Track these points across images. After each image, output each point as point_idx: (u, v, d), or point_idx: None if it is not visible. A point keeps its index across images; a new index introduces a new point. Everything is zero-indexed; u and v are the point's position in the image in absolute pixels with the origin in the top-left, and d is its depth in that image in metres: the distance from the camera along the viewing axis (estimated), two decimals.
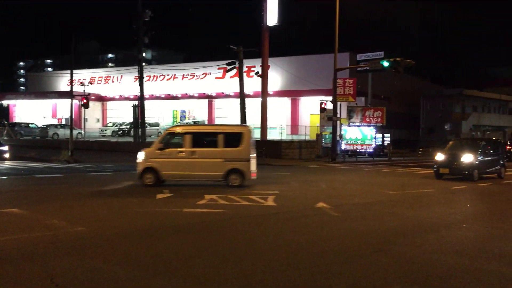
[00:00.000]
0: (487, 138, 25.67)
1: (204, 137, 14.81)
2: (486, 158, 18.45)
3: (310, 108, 38.76)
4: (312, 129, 36.23)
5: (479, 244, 7.63)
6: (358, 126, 33.26)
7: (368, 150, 32.74)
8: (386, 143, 34.77)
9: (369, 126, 33.14)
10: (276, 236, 8.00)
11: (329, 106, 29.87)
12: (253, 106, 34.05)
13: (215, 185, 14.58)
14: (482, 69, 79.42)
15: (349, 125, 33.45)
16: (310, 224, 9.00)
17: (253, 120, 34.65)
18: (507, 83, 68.24)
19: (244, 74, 32.84)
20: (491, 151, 19.21)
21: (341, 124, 32.71)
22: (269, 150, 28.75)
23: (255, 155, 14.54)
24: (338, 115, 30.26)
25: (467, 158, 17.57)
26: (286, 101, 41.33)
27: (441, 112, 49.40)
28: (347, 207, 11.11)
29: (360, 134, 32.62)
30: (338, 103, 30.46)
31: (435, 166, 18.37)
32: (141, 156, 14.37)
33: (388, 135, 36.14)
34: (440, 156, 18.30)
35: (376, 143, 33.17)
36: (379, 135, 34.19)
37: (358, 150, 32.45)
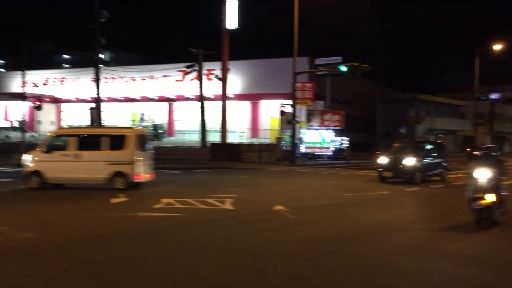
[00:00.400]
0: (430, 141, 25.79)
1: (89, 140, 14.68)
2: (429, 161, 18.57)
3: (271, 111, 38.95)
4: (273, 132, 36.41)
5: (429, 245, 7.84)
6: (317, 129, 33.69)
7: (327, 153, 33.20)
8: (344, 146, 35.39)
9: (328, 129, 33.62)
10: (232, 240, 7.96)
11: (289, 109, 30.14)
12: (214, 109, 33.89)
13: (172, 188, 14.38)
14: (436, 75, 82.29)
15: (308, 129, 33.83)
16: (267, 227, 9.01)
17: (214, 123, 34.50)
18: (458, 88, 70.95)
19: (204, 77, 32.66)
20: (434, 154, 19.36)
21: (300, 128, 33.07)
22: (229, 153, 28.69)
23: (143, 157, 14.40)
24: (298, 119, 30.57)
25: (410, 161, 17.52)
26: (247, 104, 41.38)
27: (396, 116, 50.71)
28: (304, 209, 11.20)
29: (319, 138, 33.04)
30: (298, 106, 30.77)
31: (378, 169, 18.22)
32: (27, 158, 14.25)
33: (347, 138, 36.78)
34: (383, 160, 18.12)
35: (335, 146, 33.68)
36: (338, 139, 34.75)
37: (317, 153, 32.85)
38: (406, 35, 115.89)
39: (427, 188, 16.57)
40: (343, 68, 25.81)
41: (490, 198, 8.67)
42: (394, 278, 5.99)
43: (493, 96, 50.66)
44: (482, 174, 8.83)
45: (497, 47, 44.60)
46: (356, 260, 6.72)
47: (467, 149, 39.15)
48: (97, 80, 33.06)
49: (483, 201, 8.63)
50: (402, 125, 47.04)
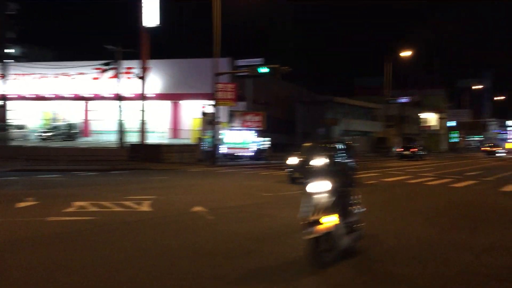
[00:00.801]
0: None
1: None
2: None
3: (192, 111, 38.65)
4: (194, 133, 36.16)
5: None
6: (239, 130, 33.94)
7: (248, 154, 33.54)
8: (265, 147, 35.98)
9: (249, 130, 33.98)
10: (149, 242, 7.74)
11: (211, 110, 30.04)
12: (133, 109, 32.96)
13: (86, 190, 13.74)
14: (350, 78, 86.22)
15: (229, 129, 33.97)
16: (186, 229, 8.88)
17: (133, 123, 33.52)
18: (371, 92, 74.88)
19: (123, 75, 31.66)
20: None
21: (222, 128, 33.11)
22: (148, 154, 28.00)
23: None
24: (219, 119, 30.56)
25: (318, 161, 18.06)
26: (168, 104, 40.74)
27: (315, 117, 52.37)
28: (224, 210, 11.18)
29: (241, 138, 33.30)
30: (219, 107, 30.78)
31: (288, 170, 17.75)
32: None
33: (268, 139, 37.43)
34: (293, 160, 17.65)
35: (256, 147, 34.11)
36: (259, 139, 35.25)
37: (238, 154, 33.07)
38: (323, 38, 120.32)
39: None
40: (264, 70, 26.22)
41: (330, 220, 6.29)
42: (312, 274, 6.14)
43: (402, 100, 54.00)
44: (318, 187, 6.78)
45: (406, 53, 47.63)
46: (274, 258, 6.81)
47: (398, 150, 42.71)
48: (4, 76, 30.92)
49: (319, 227, 6.21)
50: (320, 126, 48.63)
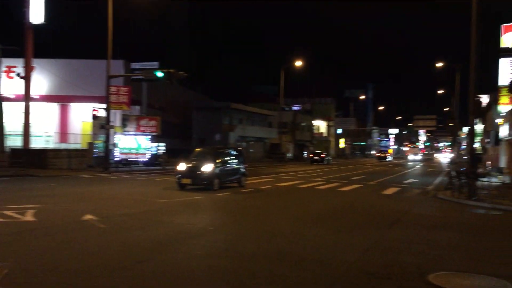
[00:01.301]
0: (229, 147, 26.05)
1: None
2: (227, 167, 18.59)
3: (82, 115, 36.65)
4: (84, 137, 34.28)
5: (236, 246, 8.25)
6: (133, 135, 32.92)
7: (142, 159, 32.66)
8: (160, 152, 35.32)
9: (144, 135, 33.12)
10: (30, 255, 7.18)
11: (103, 113, 28.77)
12: (16, 111, 30.42)
13: None
14: (247, 85, 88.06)
15: (123, 134, 32.82)
16: (75, 239, 8.40)
17: (15, 126, 30.94)
18: (266, 99, 77.05)
19: (3, 74, 29.14)
20: (233, 160, 19.41)
21: (115, 133, 31.88)
22: (33, 159, 26.03)
23: None
24: (112, 123, 29.41)
25: (207, 167, 17.31)
26: (55, 107, 38.16)
27: (211, 123, 52.61)
28: (116, 218, 10.77)
29: (135, 143, 32.34)
30: (112, 111, 29.62)
31: (177, 176, 17.60)
32: None
33: (163, 144, 36.77)
34: (182, 166, 17.61)
35: (151, 152, 33.36)
36: (154, 144, 34.51)
37: (132, 159, 32.06)
38: (221, 46, 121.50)
39: (239, 194, 17.51)
40: (159, 74, 25.75)
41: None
42: (206, 280, 6.14)
43: (295, 107, 56.29)
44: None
45: (298, 63, 49.81)
46: (168, 266, 6.71)
47: (322, 155, 48.72)
48: None
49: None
50: (216, 132, 48.98)
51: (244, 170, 19.99)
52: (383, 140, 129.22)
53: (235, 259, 7.22)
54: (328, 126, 78.71)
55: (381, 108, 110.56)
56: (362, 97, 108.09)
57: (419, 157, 79.78)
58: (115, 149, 31.17)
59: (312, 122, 75.11)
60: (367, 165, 51.55)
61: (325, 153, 57.04)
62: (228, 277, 6.29)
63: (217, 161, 17.97)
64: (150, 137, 33.24)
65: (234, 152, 20.39)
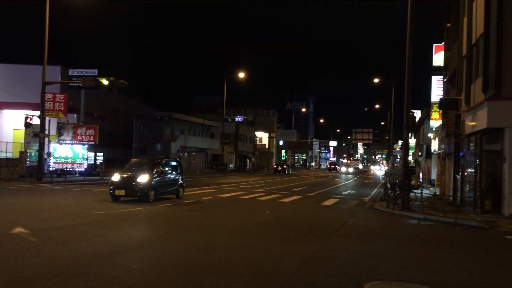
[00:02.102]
0: (166, 158, 24.24)
1: None
2: (163, 178, 17.96)
3: (14, 122, 34.91)
4: (16, 146, 32.62)
5: (175, 259, 8.12)
6: (70, 144, 31.68)
7: (79, 169, 31.49)
8: (98, 162, 34.22)
9: (81, 144, 31.96)
10: None
11: (37, 121, 27.53)
12: None
13: None
14: (189, 95, 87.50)
15: (59, 143, 31.50)
16: (3, 253, 7.93)
17: None
18: (209, 110, 76.92)
19: None
20: (170, 171, 18.84)
21: (50, 141, 30.57)
22: None
23: None
24: (47, 132, 28.20)
25: (143, 178, 16.75)
26: None
27: (152, 133, 51.73)
28: (50, 231, 10.29)
29: (71, 153, 31.11)
30: (47, 118, 28.42)
31: (111, 187, 16.86)
32: None
33: (101, 154, 35.65)
34: (116, 177, 16.97)
35: (88, 162, 32.25)
36: (92, 154, 33.39)
37: (68, 169, 30.82)
38: (163, 56, 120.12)
39: (180, 205, 17.27)
40: (98, 82, 25.05)
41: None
42: None
43: (238, 119, 56.52)
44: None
45: (241, 75, 50.18)
46: (105, 280, 6.48)
47: (284, 166, 54.30)
48: None
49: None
50: (158, 142, 48.19)
51: (182, 182, 19.53)
52: (323, 152, 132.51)
53: (173, 272, 7.10)
54: (270, 138, 79.64)
55: (321, 120, 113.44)
56: (303, 109, 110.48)
57: (351, 169, 78.53)
58: (49, 158, 29.85)
59: (255, 133, 75.71)
60: (307, 176, 52.53)
61: (286, 164, 63.63)
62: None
63: (153, 172, 17.37)
64: (87, 146, 32.13)
65: (172, 163, 19.77)
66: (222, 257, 8.26)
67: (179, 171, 19.62)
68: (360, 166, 69.09)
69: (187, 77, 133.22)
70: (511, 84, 15.41)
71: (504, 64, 15.44)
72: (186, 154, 56.25)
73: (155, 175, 17.37)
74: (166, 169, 18.65)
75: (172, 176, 18.86)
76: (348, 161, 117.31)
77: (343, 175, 62.64)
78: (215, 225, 12.44)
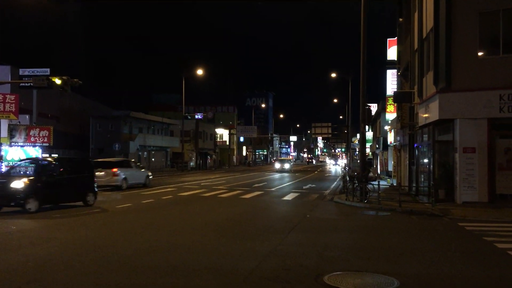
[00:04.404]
0: (65, 157, 19.89)
1: None
2: (59, 182, 14.95)
3: None
4: None
5: (133, 260, 7.95)
6: (22, 146, 30.53)
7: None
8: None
9: (34, 146, 30.88)
10: None
11: None
12: None
13: None
14: (148, 94, 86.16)
15: (11, 145, 30.30)
16: None
17: None
18: (168, 108, 76.00)
19: None
20: (70, 174, 15.61)
21: (1, 144, 29.37)
22: None
23: None
24: None
25: (18, 183, 13.91)
26: None
27: (110, 132, 50.61)
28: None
29: (24, 155, 29.98)
30: None
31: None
32: None
33: (56, 155, 34.61)
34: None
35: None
36: (46, 156, 32.34)
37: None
38: (120, 54, 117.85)
39: (138, 205, 16.97)
40: (51, 81, 24.23)
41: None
42: None
43: (197, 116, 56.07)
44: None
45: (200, 72, 49.79)
46: (59, 285, 6.28)
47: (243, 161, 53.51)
48: None
49: None
50: (116, 142, 47.20)
51: (95, 186, 16.48)
52: (284, 147, 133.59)
53: (131, 273, 6.96)
54: (231, 134, 79.52)
55: (281, 116, 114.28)
56: (263, 105, 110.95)
57: (287, 166, 53.77)
58: (1, 162, 28.68)
59: (215, 130, 75.41)
60: (268, 172, 52.81)
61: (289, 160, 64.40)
62: None
63: (39, 175, 14.48)
64: (41, 148, 31.07)
65: (75, 163, 17.30)
66: (181, 256, 8.17)
67: (89, 173, 16.50)
68: (288, 165, 52.93)
69: (145, 76, 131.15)
70: (460, 77, 15.99)
71: (453, 57, 15.99)
72: (145, 153, 55.36)
73: (43, 178, 14.43)
74: (62, 171, 15.44)
75: (73, 180, 15.61)
76: (290, 157, 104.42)
77: (277, 174, 46.53)
78: (176, 224, 12.31)
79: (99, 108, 57.51)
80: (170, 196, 19.94)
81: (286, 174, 45.43)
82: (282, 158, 75.75)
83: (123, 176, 23.62)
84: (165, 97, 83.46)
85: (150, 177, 26.80)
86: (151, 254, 8.35)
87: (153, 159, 57.23)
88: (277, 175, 42.79)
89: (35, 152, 30.45)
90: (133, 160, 32.61)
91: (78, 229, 11.08)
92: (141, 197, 19.01)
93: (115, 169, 23.50)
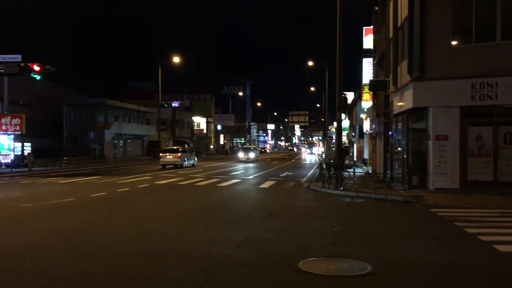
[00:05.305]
0: None
1: None
2: None
3: None
4: None
5: (110, 248, 7.90)
6: None
7: (5, 161, 29.82)
8: (26, 152, 32.57)
9: (6, 134, 30.21)
10: None
11: None
12: None
13: None
14: (123, 81, 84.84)
15: None
16: None
17: None
18: (144, 96, 75.11)
19: None
20: None
21: None
22: None
23: None
24: None
25: None
26: None
27: (85, 121, 49.83)
28: None
29: None
30: None
31: None
32: None
33: (29, 144, 33.98)
34: None
35: (15, 153, 30.60)
36: (19, 145, 31.72)
37: None
38: (95, 41, 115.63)
39: (115, 193, 16.82)
40: (22, 68, 23.67)
41: None
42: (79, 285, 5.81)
43: (174, 104, 55.62)
44: None
45: (176, 59, 49.26)
46: (34, 275, 6.20)
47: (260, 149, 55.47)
48: None
49: None
50: (91, 130, 46.50)
51: None
52: (262, 136, 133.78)
53: (104, 261, 6.92)
54: (208, 123, 79.19)
55: (258, 104, 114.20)
56: (240, 94, 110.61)
57: (252, 155, 46.80)
58: None
59: (192, 118, 74.95)
60: (237, 160, 52.87)
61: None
62: (101, 281, 6.00)
63: None
64: (13, 136, 30.43)
65: None
66: (157, 244, 8.15)
67: None
68: (253, 154, 43.43)
69: (121, 63, 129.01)
70: (434, 66, 16.24)
71: (427, 46, 16.21)
72: (121, 141, 54.74)
73: None
74: None
75: None
76: (253, 145, 77.02)
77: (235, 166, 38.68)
78: (153, 212, 12.24)
79: (74, 95, 56.49)
80: (147, 185, 19.80)
81: (264, 163, 45.47)
82: (246, 146, 65.31)
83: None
84: (141, 84, 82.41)
85: (196, 160, 37.99)
86: (126, 242, 8.30)
87: (129, 148, 56.66)
88: (256, 163, 42.74)
89: (8, 140, 29.82)
90: (189, 146, 46.90)
91: (49, 218, 10.92)
92: (116, 186, 18.82)
93: (179, 154, 33.86)
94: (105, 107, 51.91)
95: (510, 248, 7.93)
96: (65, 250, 7.68)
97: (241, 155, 48.01)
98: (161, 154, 34.43)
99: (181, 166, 33.57)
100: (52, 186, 19.01)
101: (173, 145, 54.52)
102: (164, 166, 33.22)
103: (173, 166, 33.68)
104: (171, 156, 33.44)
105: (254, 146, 62.19)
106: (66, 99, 51.69)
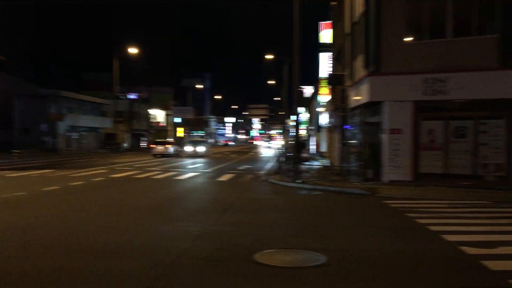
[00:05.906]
0: None
1: None
2: None
3: None
4: None
5: (58, 242, 7.70)
6: None
7: None
8: None
9: None
10: None
11: None
12: None
13: None
14: (79, 72, 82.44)
15: None
16: None
17: None
18: (101, 87, 73.23)
19: None
20: None
21: None
22: None
23: None
24: None
25: None
26: None
27: (37, 112, 48.12)
28: None
29: None
30: None
31: None
32: None
33: None
34: None
35: None
36: None
37: None
38: (48, 30, 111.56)
39: (68, 187, 16.36)
40: None
41: None
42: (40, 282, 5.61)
43: (131, 96, 54.53)
44: None
45: (133, 50, 48.25)
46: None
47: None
48: None
49: None
50: (43, 122, 44.97)
51: None
52: (220, 129, 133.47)
53: (59, 257, 6.72)
54: (166, 115, 78.17)
55: (218, 97, 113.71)
56: (199, 86, 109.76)
57: (202, 149, 40.86)
58: None
59: (149, 111, 73.79)
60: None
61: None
62: (50, 277, 5.82)
63: None
64: None
65: None
66: (112, 239, 7.99)
67: None
68: (203, 148, 38.84)
69: (77, 54, 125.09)
70: (389, 61, 16.63)
71: (383, 41, 16.58)
72: (76, 134, 53.23)
73: None
74: None
75: None
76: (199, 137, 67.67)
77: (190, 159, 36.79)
78: (107, 206, 11.97)
79: (24, 86, 54.34)
80: (102, 178, 19.35)
81: (222, 156, 45.36)
82: (195, 138, 54.72)
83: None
84: (98, 76, 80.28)
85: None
86: (81, 237, 8.09)
87: (85, 141, 55.19)
88: (213, 157, 42.58)
89: None
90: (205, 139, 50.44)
91: None
92: (70, 179, 18.30)
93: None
94: (59, 98, 50.28)
95: (457, 238, 8.26)
96: (12, 246, 7.40)
97: (189, 149, 40.73)
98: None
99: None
100: (1, 180, 18.26)
101: (131, 138, 53.69)
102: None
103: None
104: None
105: (203, 140, 49.01)
106: (16, 89, 49.72)
